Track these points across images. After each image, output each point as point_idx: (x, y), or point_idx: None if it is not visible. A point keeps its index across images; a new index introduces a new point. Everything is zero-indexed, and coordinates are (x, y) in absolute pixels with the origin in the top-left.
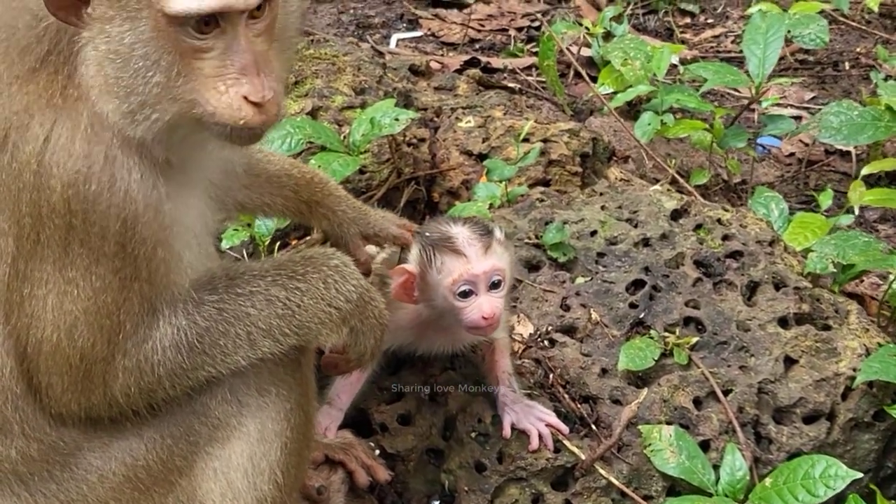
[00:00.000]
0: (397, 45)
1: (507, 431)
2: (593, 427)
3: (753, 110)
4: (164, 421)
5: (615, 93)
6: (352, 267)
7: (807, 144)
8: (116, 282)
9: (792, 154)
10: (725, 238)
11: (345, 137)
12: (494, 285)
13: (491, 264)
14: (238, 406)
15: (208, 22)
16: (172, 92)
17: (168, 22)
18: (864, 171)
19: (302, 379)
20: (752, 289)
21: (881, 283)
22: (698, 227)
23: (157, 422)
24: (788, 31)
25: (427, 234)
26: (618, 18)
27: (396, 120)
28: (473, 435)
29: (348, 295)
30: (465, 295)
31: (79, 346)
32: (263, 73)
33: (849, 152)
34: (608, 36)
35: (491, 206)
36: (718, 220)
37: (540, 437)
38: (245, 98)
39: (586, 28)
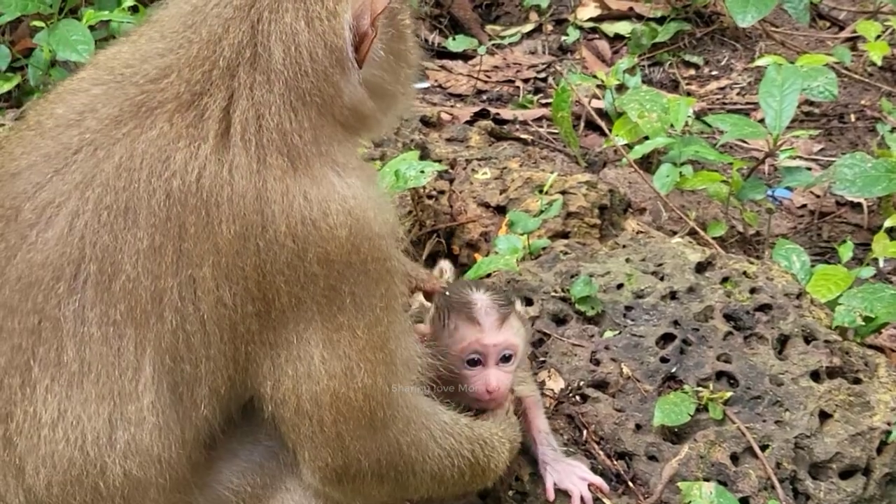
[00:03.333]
0: None
1: (550, 494)
2: (630, 484)
3: (765, 162)
4: None
5: (629, 145)
6: None
7: (818, 196)
8: (383, 309)
9: (804, 206)
10: (753, 291)
11: None
12: (505, 359)
13: (504, 338)
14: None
15: None
16: None
17: None
18: (888, 223)
19: None
20: (782, 342)
21: None
22: (725, 280)
23: None
24: None
25: (447, 293)
26: (631, 70)
27: (422, 172)
28: (511, 493)
29: None
30: (473, 363)
31: (360, 387)
32: None
33: (860, 204)
34: (620, 88)
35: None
36: (744, 273)
37: (581, 498)
38: None
39: (599, 80)
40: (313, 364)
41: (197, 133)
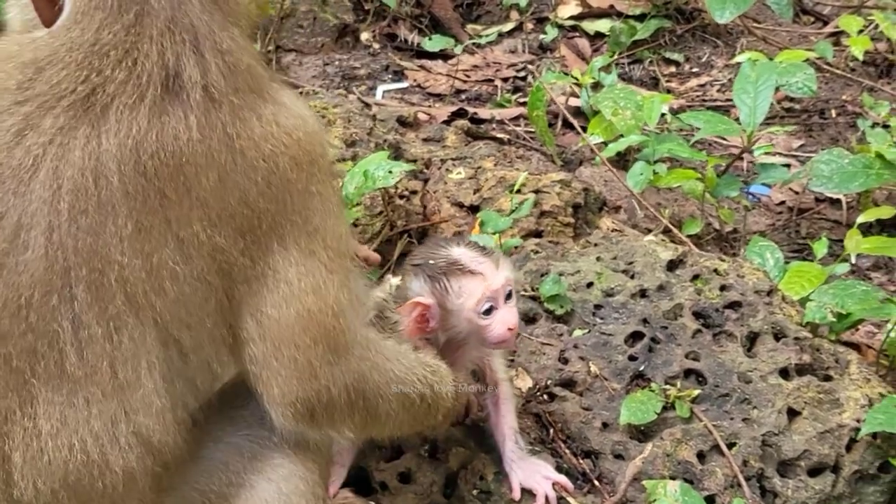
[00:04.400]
0: (383, 97)
1: (516, 493)
2: (596, 483)
3: (743, 159)
4: None
5: (605, 142)
6: None
7: (797, 192)
8: (338, 206)
9: (782, 202)
10: (723, 288)
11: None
12: (508, 296)
13: (505, 276)
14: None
15: None
16: None
17: None
18: (860, 219)
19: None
20: (752, 339)
21: (876, 331)
22: (695, 277)
23: None
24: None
25: (431, 262)
26: (607, 68)
27: (390, 173)
28: (475, 493)
29: None
30: (487, 312)
31: (331, 303)
32: None
33: (839, 200)
34: (597, 86)
35: None
36: (715, 271)
37: (546, 497)
38: None
39: (575, 78)
40: (292, 284)
41: (156, 109)
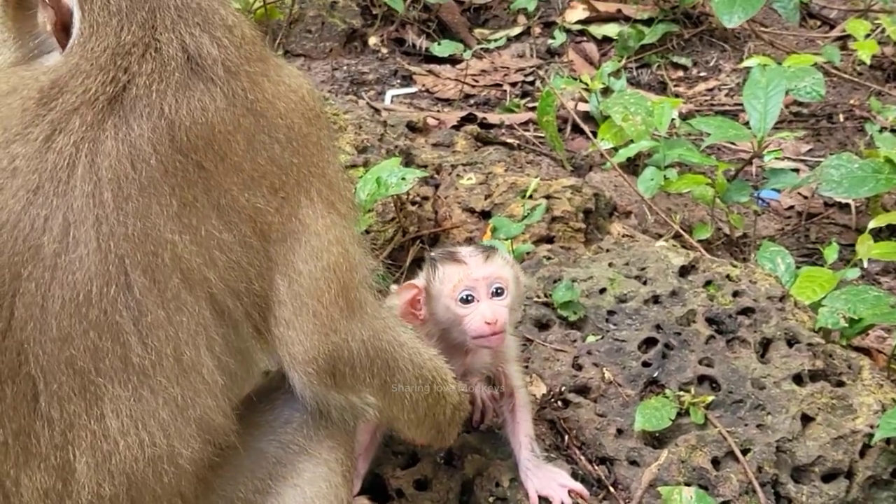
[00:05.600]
0: (392, 102)
1: (534, 501)
2: (611, 489)
3: (752, 163)
4: None
5: (615, 148)
6: None
7: (806, 197)
8: (343, 166)
9: (791, 207)
10: (736, 294)
11: None
12: (497, 293)
13: (491, 270)
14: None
15: None
16: None
17: None
18: (871, 224)
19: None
20: (765, 346)
21: (886, 336)
22: (708, 283)
23: None
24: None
25: (434, 253)
26: (616, 74)
27: (403, 179)
28: (491, 500)
29: None
30: (465, 301)
31: (348, 258)
32: None
33: (848, 205)
34: (606, 91)
35: None
36: (727, 277)
37: None
38: None
39: (584, 83)
40: (320, 236)
41: (182, 90)
